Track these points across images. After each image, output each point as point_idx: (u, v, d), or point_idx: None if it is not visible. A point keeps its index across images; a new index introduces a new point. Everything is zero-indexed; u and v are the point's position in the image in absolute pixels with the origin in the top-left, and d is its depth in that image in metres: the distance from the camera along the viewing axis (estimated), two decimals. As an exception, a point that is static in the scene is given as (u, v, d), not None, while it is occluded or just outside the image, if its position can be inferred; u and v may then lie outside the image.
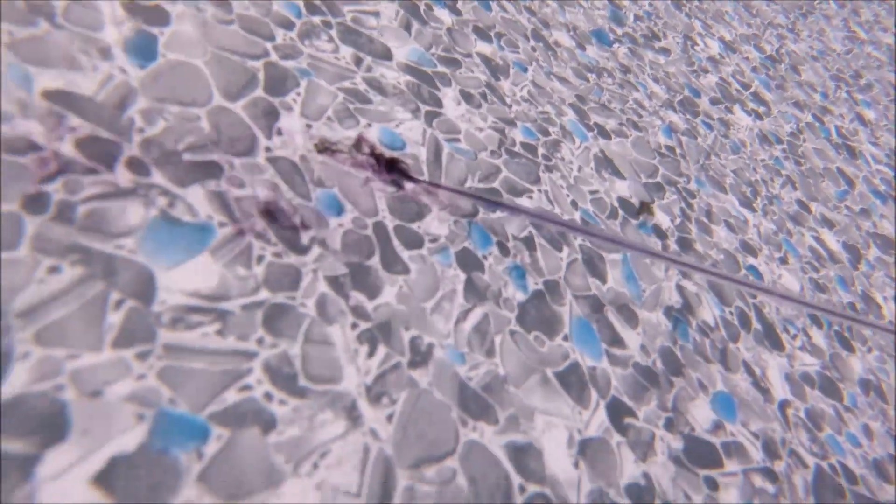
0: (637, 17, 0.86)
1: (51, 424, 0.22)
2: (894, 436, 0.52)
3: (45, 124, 0.30)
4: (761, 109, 0.84)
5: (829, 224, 0.72)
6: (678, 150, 0.67)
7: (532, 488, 0.31)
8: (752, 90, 0.86)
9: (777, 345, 0.52)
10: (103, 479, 0.22)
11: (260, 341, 0.28)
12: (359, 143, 0.41)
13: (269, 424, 0.26)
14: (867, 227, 0.76)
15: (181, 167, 0.32)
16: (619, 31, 0.80)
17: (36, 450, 0.22)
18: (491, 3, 0.67)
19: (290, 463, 0.26)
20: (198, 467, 0.24)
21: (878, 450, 0.50)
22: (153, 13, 0.38)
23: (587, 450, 0.34)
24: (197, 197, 0.31)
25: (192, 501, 0.23)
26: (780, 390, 0.48)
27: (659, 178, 0.61)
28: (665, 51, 0.82)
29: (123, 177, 0.30)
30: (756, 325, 0.52)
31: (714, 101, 0.80)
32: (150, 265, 0.28)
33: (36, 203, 0.27)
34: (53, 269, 0.26)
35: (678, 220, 0.57)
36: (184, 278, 0.28)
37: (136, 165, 0.31)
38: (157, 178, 0.31)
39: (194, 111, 0.35)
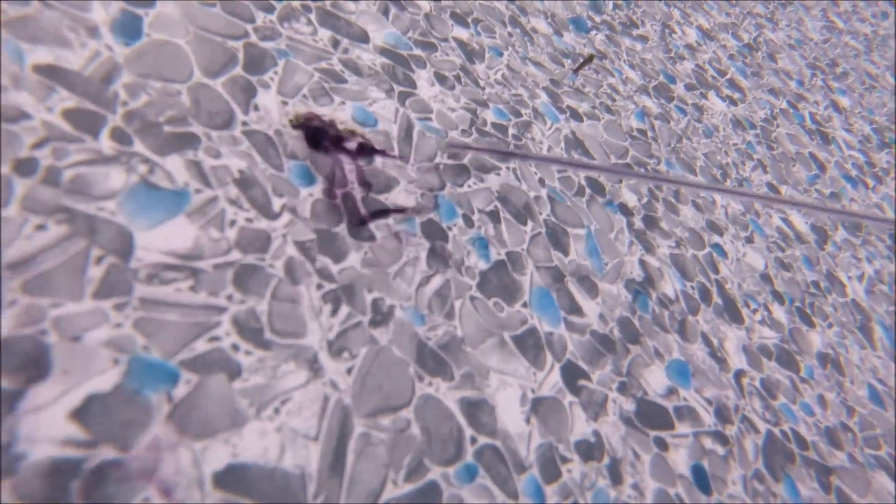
0: (616, 5, 0.87)
1: (34, 364, 0.25)
2: (847, 406, 0.55)
3: (36, 95, 0.32)
4: (736, 96, 0.86)
5: (797, 206, 0.75)
6: (650, 133, 0.69)
7: (483, 440, 0.33)
8: (727, 77, 0.88)
9: (737, 318, 0.54)
10: (80, 414, 0.25)
11: (229, 297, 0.30)
12: (332, 122, 0.43)
13: (234, 372, 0.28)
14: (836, 208, 0.79)
15: (161, 137, 0.34)
16: (598, 19, 0.82)
17: (20, 386, 0.24)
18: (471, -11, 0.69)
19: (254, 407, 0.28)
20: (167, 408, 0.26)
21: (831, 419, 0.52)
22: (135, -5, 0.40)
23: (539, 407, 0.37)
24: (175, 165, 0.33)
25: (161, 438, 0.25)
26: (737, 360, 0.51)
27: (629, 160, 0.63)
28: (642, 38, 0.84)
29: (107, 145, 0.32)
30: (717, 299, 0.55)
31: (689, 87, 0.81)
32: (129, 226, 0.30)
33: (25, 167, 0.29)
34: (40, 227, 0.28)
35: (645, 199, 0.59)
36: (160, 238, 0.30)
37: (118, 135, 0.33)
38: (139, 146, 0.33)
39: (175, 87, 0.37)
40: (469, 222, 0.43)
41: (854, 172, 0.86)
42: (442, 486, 0.30)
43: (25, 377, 0.24)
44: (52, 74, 0.33)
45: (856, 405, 0.55)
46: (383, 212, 0.39)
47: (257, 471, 0.26)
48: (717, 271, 0.57)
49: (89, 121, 0.32)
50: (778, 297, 0.60)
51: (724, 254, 0.60)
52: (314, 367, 0.30)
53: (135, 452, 0.24)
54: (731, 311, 0.54)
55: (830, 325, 0.61)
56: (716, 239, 0.61)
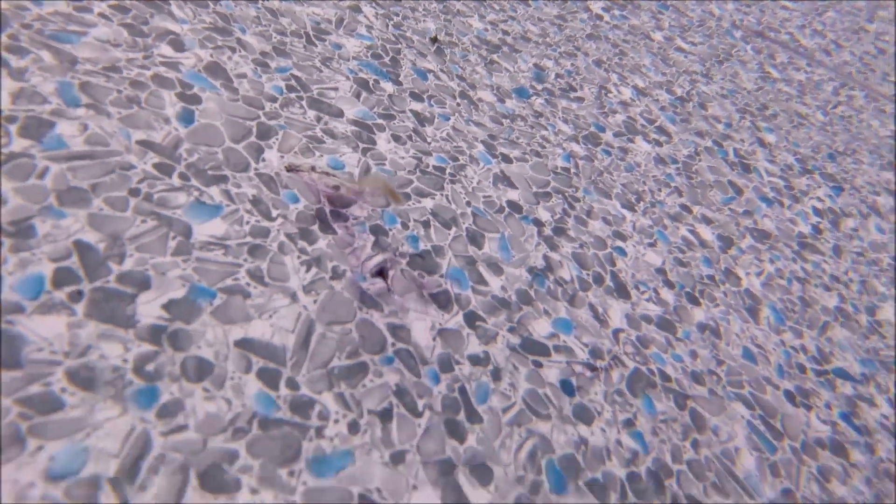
0: (558, 76, 1.16)
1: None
2: (718, 359, 0.74)
3: (140, 158, 0.60)
4: (662, 139, 1.11)
5: (707, 221, 0.97)
6: (573, 171, 0.94)
7: (400, 345, 0.57)
8: (656, 124, 1.14)
9: (625, 296, 0.76)
10: (167, 307, 0.50)
11: (245, 260, 0.56)
12: (314, 167, 0.70)
13: (247, 295, 0.53)
14: (747, 223, 1.00)
15: (206, 177, 0.62)
16: (539, 87, 1.10)
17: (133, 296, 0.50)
18: (427, 74, 0.98)
19: (257, 313, 0.53)
20: (209, 308, 0.51)
21: (699, 366, 0.72)
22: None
23: (444, 333, 0.60)
24: (214, 192, 0.61)
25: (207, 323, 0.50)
26: (618, 322, 0.72)
27: (549, 189, 0.88)
28: (579, 99, 1.12)
29: (177, 182, 0.60)
30: (609, 282, 0.77)
31: (617, 134, 1.07)
32: (189, 222, 0.56)
33: (135, 192, 0.57)
34: (143, 221, 0.54)
35: (558, 216, 0.83)
36: (206, 229, 0.57)
37: (183, 176, 0.60)
38: (194, 182, 0.60)
39: (215, 149, 0.65)
40: (405, 227, 0.69)
41: (772, 195, 1.09)
42: (369, 366, 0.54)
43: (134, 290, 0.50)
44: (147, 145, 0.61)
45: (727, 359, 0.75)
46: (344, 216, 0.65)
47: (259, 345, 0.51)
48: (613, 265, 0.80)
49: (167, 169, 0.60)
50: (669, 284, 0.82)
51: (624, 253, 0.83)
52: (294, 298, 0.55)
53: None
54: (620, 291, 0.77)
55: (717, 305, 0.82)
56: (619, 243, 0.84)
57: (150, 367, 0.46)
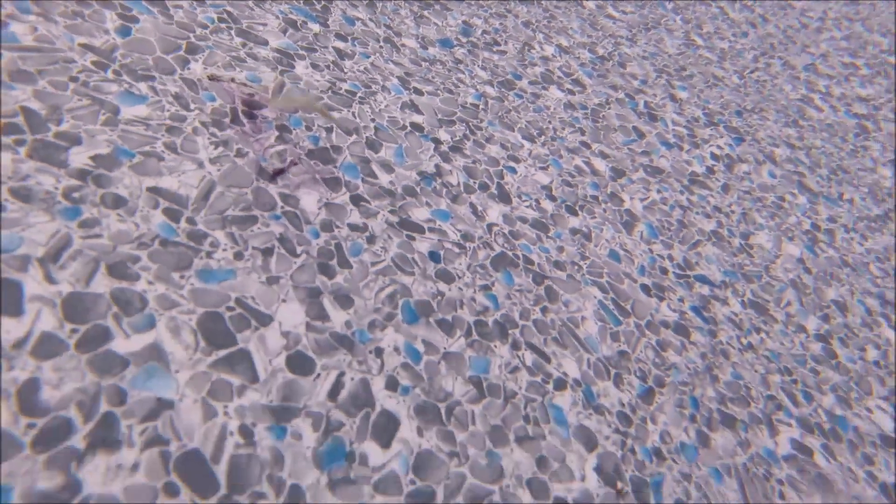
0: (485, 32, 1.33)
1: (75, 143, 0.67)
2: (584, 255, 0.91)
3: (78, 55, 0.76)
4: (576, 89, 1.28)
5: (604, 156, 1.14)
6: (482, 107, 1.11)
7: (288, 208, 0.73)
8: (573, 77, 1.31)
9: (506, 200, 0.93)
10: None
11: (163, 136, 0.72)
12: (232, 78, 0.87)
13: (160, 159, 0.70)
14: (643, 161, 1.17)
15: (137, 75, 0.78)
16: (464, 40, 1.27)
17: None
18: (356, 21, 1.15)
19: (168, 171, 0.69)
20: (129, 164, 0.67)
21: (564, 258, 0.89)
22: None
23: (330, 206, 0.76)
24: (142, 86, 0.77)
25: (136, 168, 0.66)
26: (494, 218, 0.89)
27: (454, 119, 1.04)
28: (501, 52, 1.29)
29: (111, 76, 0.76)
30: (494, 190, 0.94)
31: (533, 83, 1.24)
32: (119, 105, 0.73)
33: (75, 81, 0.73)
34: (81, 106, 0.71)
35: (458, 138, 1.00)
36: (132, 111, 0.73)
37: (116, 73, 0.77)
38: (125, 77, 0.77)
39: (146, 56, 0.82)
40: (309, 129, 0.85)
41: (673, 140, 1.26)
42: (259, 218, 0.70)
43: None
44: (87, 47, 0.78)
45: (592, 256, 0.91)
46: (255, 116, 0.81)
47: (167, 192, 0.67)
48: (502, 178, 0.97)
49: (103, 66, 0.77)
50: (552, 197, 0.98)
51: (514, 171, 1.00)
52: (201, 166, 0.71)
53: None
54: (502, 197, 0.93)
55: (594, 217, 0.99)
56: (512, 164, 1.01)
57: (76, 195, 0.62)
